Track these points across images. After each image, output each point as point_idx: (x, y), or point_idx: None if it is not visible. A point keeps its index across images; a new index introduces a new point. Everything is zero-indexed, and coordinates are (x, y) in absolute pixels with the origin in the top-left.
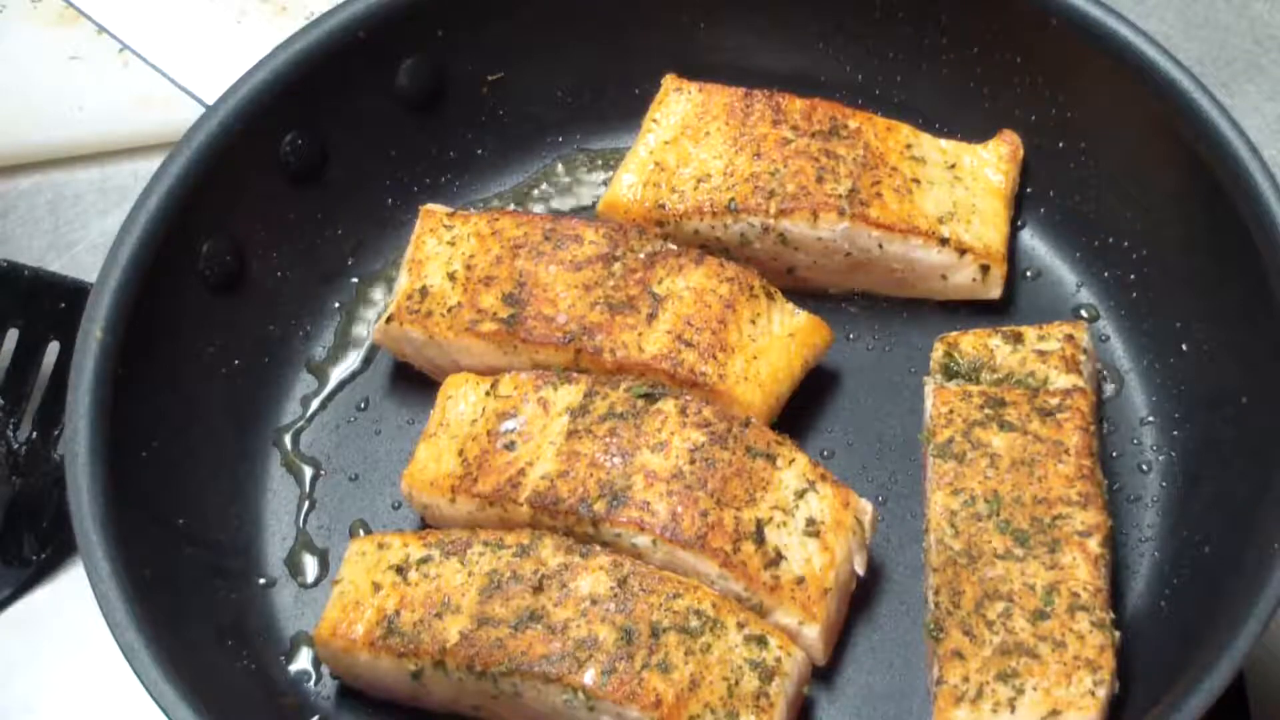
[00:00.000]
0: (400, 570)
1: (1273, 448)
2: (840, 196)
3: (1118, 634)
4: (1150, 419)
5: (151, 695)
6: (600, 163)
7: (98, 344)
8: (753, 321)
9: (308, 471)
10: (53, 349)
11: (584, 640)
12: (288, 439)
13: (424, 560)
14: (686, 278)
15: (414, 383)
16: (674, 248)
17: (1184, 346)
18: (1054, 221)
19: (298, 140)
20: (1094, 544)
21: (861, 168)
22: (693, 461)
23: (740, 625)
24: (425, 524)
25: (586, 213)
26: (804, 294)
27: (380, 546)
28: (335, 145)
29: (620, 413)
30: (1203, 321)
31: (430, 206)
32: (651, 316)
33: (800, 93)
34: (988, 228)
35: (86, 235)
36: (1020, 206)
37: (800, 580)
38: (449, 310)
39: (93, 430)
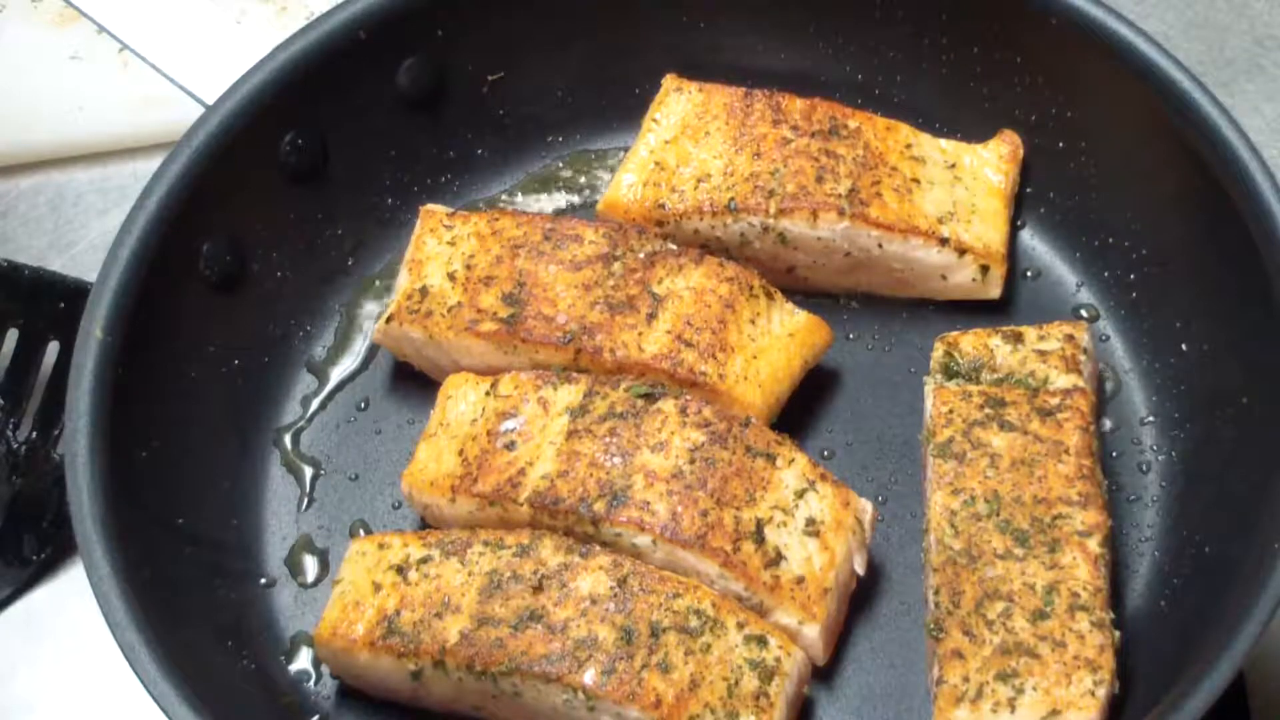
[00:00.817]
0: (400, 570)
1: (1273, 448)
2: (840, 196)
3: (1118, 634)
4: (1150, 419)
5: (151, 695)
6: (600, 163)
7: (98, 344)
8: (753, 321)
9: (308, 471)
10: (53, 349)
11: (584, 640)
12: (288, 439)
13: (424, 560)
14: (686, 277)
15: (414, 383)
16: (674, 248)
17: (1184, 346)
18: (1054, 221)
19: (298, 140)
20: (1094, 544)
21: (861, 168)
22: (693, 461)
23: (740, 625)
24: (425, 524)
25: (586, 212)
26: (804, 294)
27: (380, 546)
28: (335, 145)
29: (620, 413)
30: (1203, 321)
31: (430, 206)
32: (651, 316)
33: (800, 93)
34: (987, 228)
35: (86, 235)
36: (1020, 206)
37: (800, 580)
38: (449, 310)
39: (93, 430)
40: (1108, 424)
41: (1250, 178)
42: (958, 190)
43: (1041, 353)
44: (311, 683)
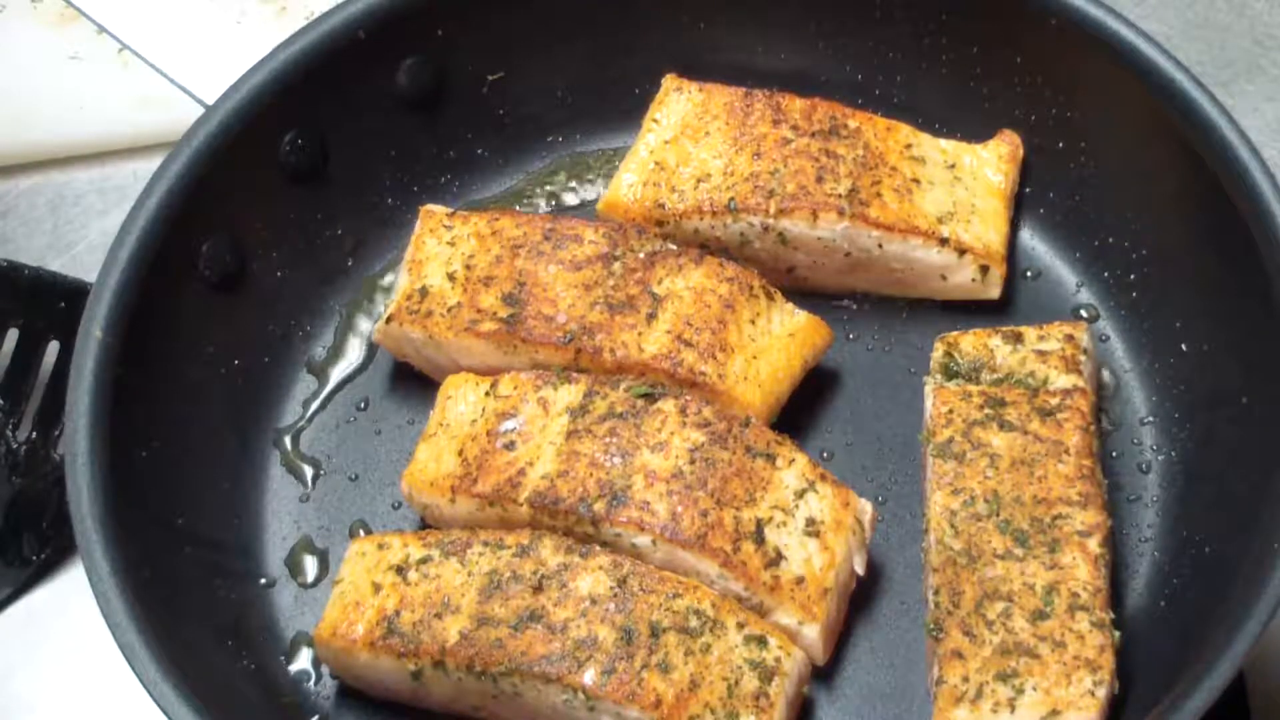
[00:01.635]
0: (400, 570)
1: (1273, 448)
2: (840, 196)
3: (1118, 634)
4: (1150, 419)
5: (151, 695)
6: (600, 163)
7: (98, 344)
8: (752, 321)
9: (308, 471)
10: (53, 349)
11: (584, 640)
12: (288, 439)
13: (424, 560)
14: (686, 277)
15: (414, 383)
16: (674, 247)
17: (1184, 346)
18: (1054, 221)
19: (298, 140)
20: (1094, 544)
21: (861, 168)
22: (693, 461)
23: (740, 625)
24: (425, 524)
25: (586, 212)
26: (804, 294)
27: (380, 547)
28: (335, 145)
29: (620, 413)
30: (1203, 321)
31: (430, 206)
32: (651, 316)
33: (800, 93)
34: (987, 228)
35: (86, 235)
36: (1020, 206)
37: (800, 580)
38: (449, 310)
39: (93, 430)
40: (1108, 424)
41: (1250, 178)
42: (957, 190)
43: (1041, 353)
44: (311, 683)
